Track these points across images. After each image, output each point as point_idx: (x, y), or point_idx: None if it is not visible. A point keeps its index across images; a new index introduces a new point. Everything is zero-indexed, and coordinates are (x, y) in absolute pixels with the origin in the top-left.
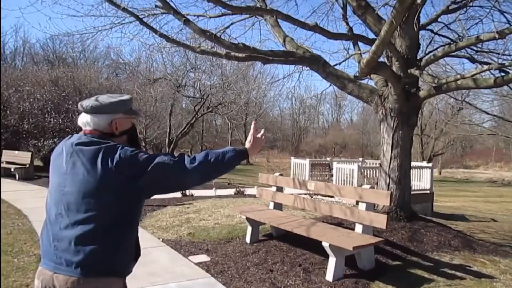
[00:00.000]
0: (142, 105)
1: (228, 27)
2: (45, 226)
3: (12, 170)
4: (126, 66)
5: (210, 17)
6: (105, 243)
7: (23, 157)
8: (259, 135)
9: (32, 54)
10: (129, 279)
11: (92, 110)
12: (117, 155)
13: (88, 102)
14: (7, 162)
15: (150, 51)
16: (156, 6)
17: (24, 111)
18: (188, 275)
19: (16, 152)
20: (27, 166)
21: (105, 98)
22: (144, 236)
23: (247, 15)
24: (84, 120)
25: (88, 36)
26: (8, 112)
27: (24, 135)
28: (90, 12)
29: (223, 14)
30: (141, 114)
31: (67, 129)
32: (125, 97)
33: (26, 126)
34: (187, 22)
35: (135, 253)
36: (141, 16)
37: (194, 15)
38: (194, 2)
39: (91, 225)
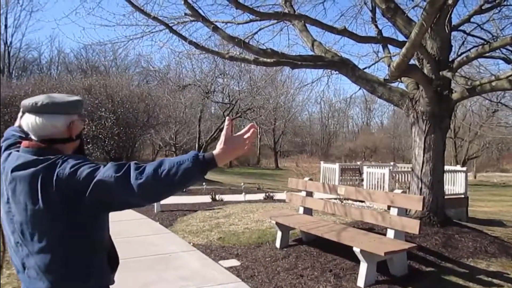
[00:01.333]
0: (172, 111)
1: (256, 32)
2: (11, 253)
3: None
4: (156, 73)
5: (238, 24)
6: (68, 272)
7: None
8: (241, 133)
9: (66, 63)
10: (160, 283)
11: (45, 109)
12: (55, 177)
13: (37, 99)
14: None
15: (179, 58)
16: (185, 14)
17: None
18: (218, 279)
19: None
20: None
21: (59, 97)
22: (175, 240)
23: (275, 21)
24: (31, 122)
25: (120, 45)
26: None
27: None
28: (121, 22)
29: (251, 20)
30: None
31: (100, 136)
32: (79, 97)
33: None
34: (215, 29)
35: (111, 265)
36: (170, 24)
37: (223, 22)
38: (223, 9)
39: (49, 255)
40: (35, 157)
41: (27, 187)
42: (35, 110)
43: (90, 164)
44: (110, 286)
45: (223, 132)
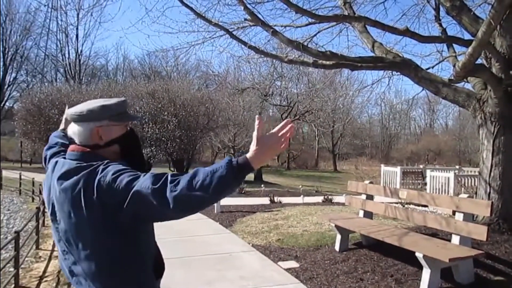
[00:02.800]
0: (231, 114)
1: (315, 35)
2: (60, 261)
3: None
4: (215, 77)
5: (297, 27)
6: (112, 280)
7: None
8: (275, 130)
9: (131, 69)
10: (222, 281)
11: (74, 119)
12: (96, 184)
13: (73, 110)
14: None
15: (238, 62)
16: (245, 19)
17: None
18: (277, 280)
19: None
20: None
21: (88, 104)
22: (235, 241)
23: (334, 23)
24: (71, 130)
25: (182, 51)
26: None
27: None
28: (184, 29)
29: (310, 23)
30: (137, 118)
31: (163, 138)
32: (111, 101)
33: None
34: (275, 33)
35: (157, 271)
36: (230, 30)
37: (281, 26)
38: (281, 13)
39: (93, 263)
40: (77, 164)
41: (70, 195)
42: (70, 119)
43: (130, 172)
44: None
45: (254, 133)
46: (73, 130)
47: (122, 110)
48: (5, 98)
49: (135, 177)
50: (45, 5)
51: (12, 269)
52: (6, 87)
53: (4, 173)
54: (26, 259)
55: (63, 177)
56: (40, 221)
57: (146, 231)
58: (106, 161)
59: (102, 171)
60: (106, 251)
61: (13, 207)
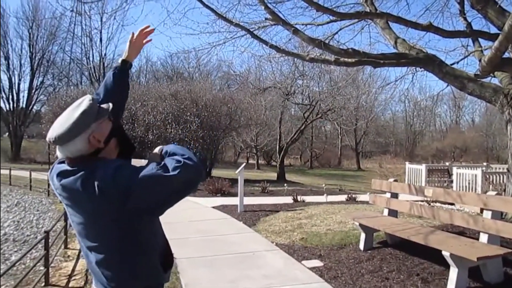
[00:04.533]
0: (253, 114)
1: (336, 33)
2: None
3: None
4: (237, 77)
5: (318, 25)
6: (119, 270)
7: None
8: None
9: (154, 71)
10: (245, 280)
11: (64, 140)
12: (99, 178)
13: (51, 134)
14: None
15: (259, 62)
16: (266, 19)
17: (149, 123)
18: (301, 279)
19: (143, 160)
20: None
21: (64, 121)
22: (258, 240)
23: (356, 20)
24: (63, 154)
25: (204, 52)
26: (135, 124)
27: (149, 145)
28: (205, 30)
29: (331, 21)
30: (108, 104)
31: (185, 139)
32: (84, 105)
33: (151, 137)
34: (296, 31)
35: (165, 264)
36: (251, 30)
37: (302, 24)
38: (302, 11)
39: (101, 254)
40: (72, 169)
41: (69, 195)
42: (55, 145)
43: (128, 168)
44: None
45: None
46: (67, 151)
47: (97, 106)
48: (33, 102)
49: (136, 171)
50: (70, 10)
51: (42, 267)
52: (33, 91)
53: (33, 174)
54: (56, 258)
55: (63, 175)
56: (68, 221)
57: (150, 226)
58: (103, 161)
59: (100, 169)
60: (112, 244)
61: (42, 208)
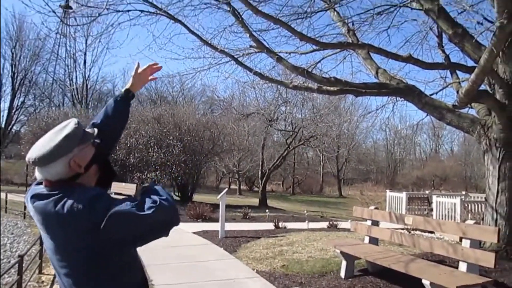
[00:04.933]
0: (235, 139)
1: (319, 61)
2: None
3: None
4: (220, 103)
5: (302, 54)
6: None
7: (129, 188)
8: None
9: (137, 94)
10: None
11: (44, 162)
12: (70, 207)
13: (31, 155)
14: (115, 193)
15: (243, 88)
16: (250, 46)
17: (131, 146)
18: None
19: (123, 183)
20: (133, 196)
21: (46, 143)
22: (239, 266)
23: (339, 50)
24: (42, 175)
25: (188, 77)
26: (117, 147)
27: (130, 168)
28: (190, 55)
29: (314, 50)
30: (94, 130)
31: (167, 163)
32: (69, 129)
33: (132, 160)
34: (279, 59)
35: None
36: (236, 56)
37: (286, 52)
38: (286, 40)
39: (72, 279)
40: (47, 193)
41: (41, 218)
42: (33, 165)
43: (107, 199)
44: None
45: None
46: (46, 173)
47: (82, 131)
48: (13, 122)
49: (111, 204)
50: (56, 32)
51: None
52: (14, 111)
53: (9, 196)
54: (29, 283)
55: (36, 198)
56: (44, 245)
57: (125, 254)
58: (74, 190)
59: (77, 194)
60: (81, 271)
61: (17, 231)
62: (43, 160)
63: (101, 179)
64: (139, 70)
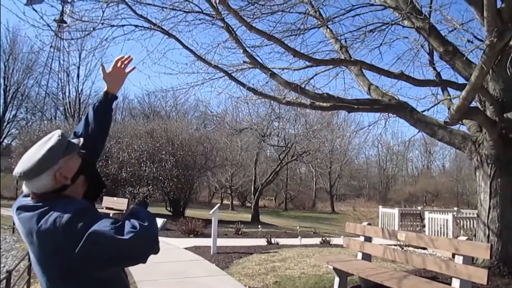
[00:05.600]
0: (228, 154)
1: (312, 78)
2: None
3: (111, 215)
4: (213, 117)
5: (295, 70)
6: None
7: (121, 203)
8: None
9: (130, 108)
10: None
11: (29, 176)
12: (50, 225)
13: (17, 169)
14: (107, 208)
15: (237, 103)
16: (244, 62)
17: (123, 160)
18: None
19: (115, 198)
20: (124, 211)
21: (31, 156)
22: (231, 283)
23: (331, 66)
24: (29, 189)
25: (181, 91)
26: (109, 161)
27: (122, 183)
28: (184, 70)
29: (307, 66)
30: (79, 140)
31: (160, 177)
32: (52, 141)
33: (124, 175)
34: (273, 75)
35: None
36: (230, 72)
37: (279, 68)
38: (280, 56)
39: None
40: (33, 205)
41: (25, 230)
42: (21, 180)
43: (86, 216)
44: None
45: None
46: (32, 186)
47: (66, 142)
48: (4, 135)
49: (91, 222)
50: (50, 46)
51: None
52: (5, 124)
53: None
54: None
55: (21, 209)
56: None
57: (106, 273)
58: (63, 202)
59: (61, 208)
60: (60, 286)
61: (5, 246)
62: (29, 174)
63: (90, 190)
64: (107, 71)
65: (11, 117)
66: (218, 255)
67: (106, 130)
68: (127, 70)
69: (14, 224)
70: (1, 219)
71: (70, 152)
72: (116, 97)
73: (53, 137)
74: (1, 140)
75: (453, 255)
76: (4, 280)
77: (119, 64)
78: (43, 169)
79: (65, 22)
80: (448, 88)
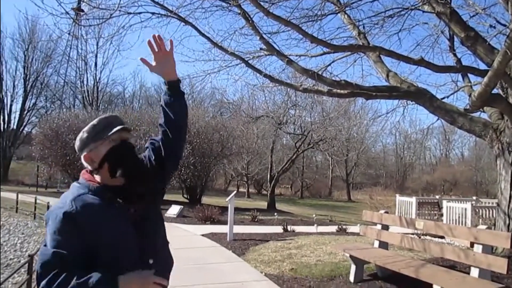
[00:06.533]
0: (244, 142)
1: (329, 64)
2: None
3: None
4: (230, 105)
5: (312, 56)
6: None
7: None
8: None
9: (147, 96)
10: None
11: (77, 153)
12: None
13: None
14: None
15: (253, 91)
16: (260, 49)
17: (140, 148)
18: None
19: None
20: None
21: (78, 137)
22: (247, 269)
23: (349, 52)
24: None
25: (198, 79)
26: None
27: None
28: (200, 58)
29: (324, 53)
30: (115, 127)
31: None
32: (88, 126)
33: None
34: (290, 62)
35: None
36: (246, 59)
37: (296, 55)
38: (297, 43)
39: None
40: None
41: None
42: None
43: (53, 224)
44: None
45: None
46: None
47: (100, 128)
48: (24, 123)
49: (53, 229)
50: (68, 33)
51: None
52: (25, 112)
53: (20, 197)
54: None
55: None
56: None
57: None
58: (74, 186)
59: (56, 205)
60: None
61: (27, 231)
62: (77, 151)
63: (129, 178)
64: (152, 63)
65: (31, 105)
66: (234, 242)
67: (181, 117)
68: (168, 49)
69: (35, 210)
70: (23, 205)
71: (99, 138)
72: (179, 80)
73: (91, 122)
74: (22, 128)
75: (472, 244)
76: (26, 264)
77: (156, 50)
78: (79, 149)
79: (83, 11)
80: (469, 75)
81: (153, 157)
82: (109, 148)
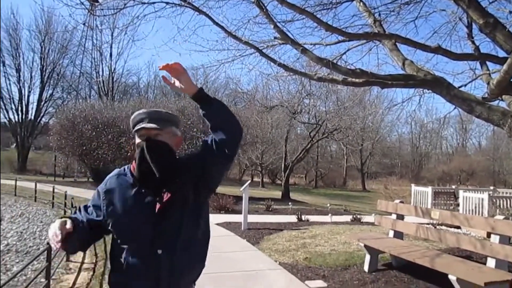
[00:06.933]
0: (259, 132)
1: (344, 53)
2: None
3: None
4: (244, 95)
5: (327, 45)
6: None
7: None
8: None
9: (162, 86)
10: None
11: None
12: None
13: None
14: None
15: (267, 80)
16: (275, 38)
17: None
18: None
19: None
20: None
21: None
22: (262, 258)
23: (364, 41)
24: None
25: (212, 69)
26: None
27: None
28: (214, 47)
29: (339, 41)
30: (140, 123)
31: None
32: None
33: None
34: (304, 51)
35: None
36: (260, 48)
37: (311, 44)
38: (311, 31)
39: None
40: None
41: None
42: None
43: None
44: None
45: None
46: None
47: (134, 122)
48: (41, 114)
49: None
50: (83, 24)
51: (43, 279)
52: (42, 103)
53: (38, 186)
54: (57, 270)
55: None
56: None
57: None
58: (120, 168)
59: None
60: None
61: (45, 219)
62: None
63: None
64: (172, 81)
65: (48, 96)
66: (249, 231)
67: (219, 122)
68: (176, 68)
69: (53, 199)
70: (41, 194)
71: (134, 127)
72: (201, 90)
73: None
74: (40, 118)
75: (488, 234)
76: (45, 252)
77: (172, 81)
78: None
79: (97, 1)
80: (487, 63)
81: (204, 155)
82: (135, 142)
